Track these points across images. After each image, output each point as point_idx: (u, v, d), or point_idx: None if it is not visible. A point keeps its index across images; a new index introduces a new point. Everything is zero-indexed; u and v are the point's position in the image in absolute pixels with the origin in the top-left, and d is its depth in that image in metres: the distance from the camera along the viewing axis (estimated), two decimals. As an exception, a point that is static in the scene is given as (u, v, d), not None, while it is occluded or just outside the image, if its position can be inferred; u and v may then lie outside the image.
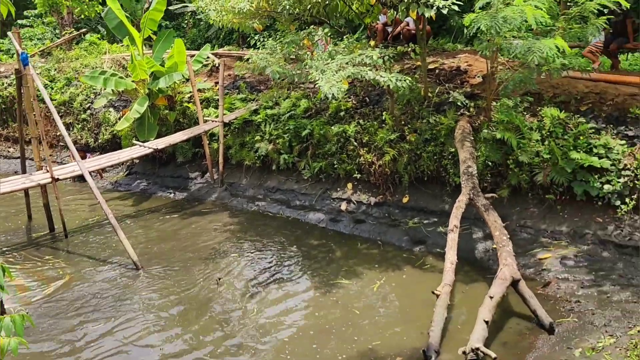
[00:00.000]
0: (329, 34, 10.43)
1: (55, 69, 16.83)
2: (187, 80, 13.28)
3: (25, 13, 22.36)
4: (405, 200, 9.65)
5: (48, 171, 9.73)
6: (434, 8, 8.09)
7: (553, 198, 8.21)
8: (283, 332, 6.53)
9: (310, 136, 10.99)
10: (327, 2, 9.64)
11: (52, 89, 16.16)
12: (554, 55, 7.17)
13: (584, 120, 8.30)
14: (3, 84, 17.17)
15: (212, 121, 12.39)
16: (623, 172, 7.70)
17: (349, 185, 10.40)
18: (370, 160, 9.94)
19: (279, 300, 7.33)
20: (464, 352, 5.45)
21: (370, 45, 9.23)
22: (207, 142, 12.39)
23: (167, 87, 13.12)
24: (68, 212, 10.90)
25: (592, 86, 8.96)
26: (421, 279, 7.71)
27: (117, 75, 13.20)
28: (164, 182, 13.26)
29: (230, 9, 10.13)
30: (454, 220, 7.36)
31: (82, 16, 20.14)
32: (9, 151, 16.86)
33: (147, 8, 14.69)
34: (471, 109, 9.43)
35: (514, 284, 6.44)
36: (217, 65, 14.04)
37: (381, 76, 8.13)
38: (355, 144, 10.27)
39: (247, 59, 10.61)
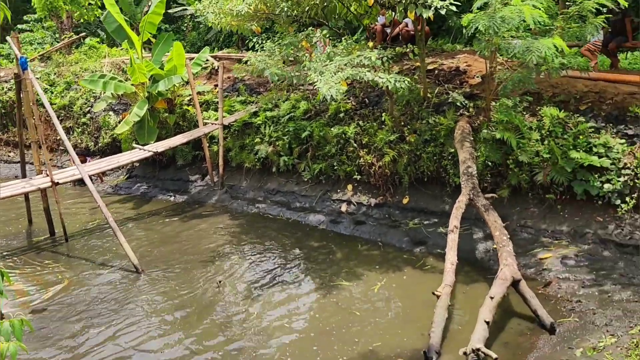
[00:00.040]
0: (327, 36, 10.42)
1: (55, 73, 16.84)
2: (187, 83, 13.29)
3: (24, 18, 22.41)
4: (405, 201, 9.65)
5: (48, 175, 9.73)
6: (432, 9, 8.09)
7: (553, 198, 8.20)
8: (284, 335, 6.53)
9: (310, 138, 10.99)
10: (325, 4, 9.61)
11: (52, 93, 16.17)
12: (553, 54, 7.17)
13: (584, 120, 8.29)
14: (3, 88, 17.17)
15: (212, 124, 12.38)
16: (623, 171, 7.69)
17: (349, 187, 10.39)
18: (370, 161, 9.93)
19: (280, 303, 7.32)
20: (464, 353, 5.44)
21: (369, 47, 9.23)
22: (207, 144, 12.39)
23: (166, 90, 13.14)
24: (68, 216, 10.90)
25: (591, 85, 8.95)
26: (422, 280, 7.71)
27: (116, 79, 13.22)
28: (164, 185, 13.25)
29: (228, 12, 10.12)
30: (454, 220, 7.36)
31: (82, 20, 20.17)
32: (9, 155, 16.86)
33: (147, 11, 14.70)
34: (470, 109, 9.42)
35: (515, 284, 6.44)
36: (216, 68, 14.04)
37: (380, 77, 8.12)
38: (355, 145, 10.26)
39: (246, 62, 10.61)
